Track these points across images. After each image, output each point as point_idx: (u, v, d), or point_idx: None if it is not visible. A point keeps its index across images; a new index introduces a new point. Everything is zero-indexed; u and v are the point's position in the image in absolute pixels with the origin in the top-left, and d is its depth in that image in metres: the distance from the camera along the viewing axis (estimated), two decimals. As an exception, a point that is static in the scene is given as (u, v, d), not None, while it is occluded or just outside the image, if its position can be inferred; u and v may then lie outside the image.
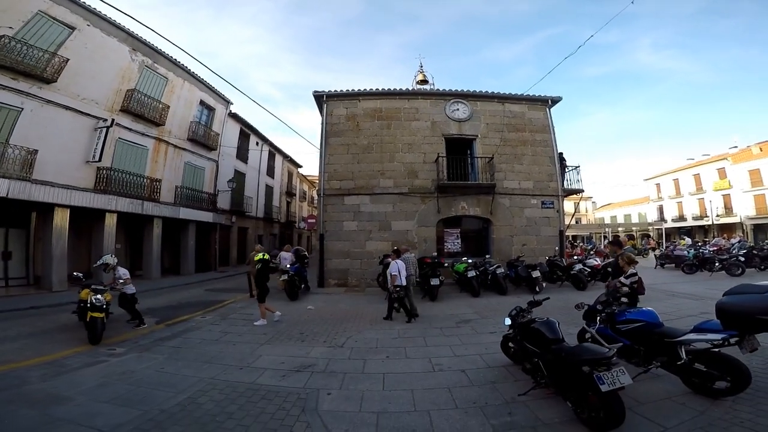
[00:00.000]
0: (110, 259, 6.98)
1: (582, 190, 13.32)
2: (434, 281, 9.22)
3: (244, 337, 6.08)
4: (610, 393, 2.67)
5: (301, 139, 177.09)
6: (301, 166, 34.48)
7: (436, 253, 11.50)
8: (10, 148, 10.01)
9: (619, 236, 7.08)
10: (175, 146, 16.23)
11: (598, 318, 4.03)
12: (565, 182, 13.13)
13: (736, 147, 34.38)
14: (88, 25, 12.33)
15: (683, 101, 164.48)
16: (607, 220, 49.63)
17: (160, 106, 15.19)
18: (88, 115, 12.26)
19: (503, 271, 10.37)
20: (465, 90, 13.14)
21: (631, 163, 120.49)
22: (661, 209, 41.34)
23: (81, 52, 11.97)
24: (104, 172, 12.70)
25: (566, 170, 13.29)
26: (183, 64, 16.58)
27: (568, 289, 10.55)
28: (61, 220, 11.41)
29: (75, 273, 7.15)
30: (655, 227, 38.64)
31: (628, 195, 57.21)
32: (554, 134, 13.25)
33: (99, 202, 12.46)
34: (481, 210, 12.40)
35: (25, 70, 10.40)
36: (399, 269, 7.25)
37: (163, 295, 10.94)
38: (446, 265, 10.85)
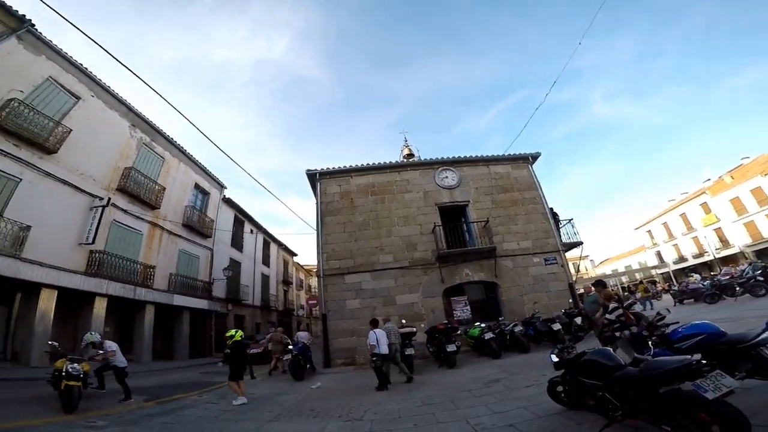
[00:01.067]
0: (92, 336, 6.86)
1: (581, 242, 13.30)
2: (450, 347, 8.72)
3: (246, 414, 5.58)
4: (720, 402, 2.32)
5: (293, 229, 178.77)
6: (296, 255, 34.77)
7: (447, 321, 10.94)
8: (3, 222, 9.52)
9: (602, 280, 7.36)
10: (170, 232, 16.07)
11: (650, 342, 3.74)
12: (562, 236, 13.14)
13: (709, 180, 35.76)
14: (92, 96, 12.63)
15: (650, 144, 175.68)
16: (609, 274, 49.20)
17: (156, 187, 15.18)
18: (85, 192, 12.03)
19: (521, 329, 9.84)
20: (451, 157, 13.78)
21: (617, 214, 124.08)
22: (659, 254, 41.36)
23: (83, 123, 12.02)
24: (97, 255, 12.09)
25: (560, 224, 13.41)
26: (179, 144, 16.93)
27: (592, 338, 10.00)
28: (47, 300, 10.60)
29: (50, 342, 6.91)
30: (659, 272, 38.27)
31: (623, 247, 57.73)
32: (542, 190, 13.63)
33: (89, 285, 11.73)
34: (485, 274, 12.14)
35: (29, 137, 10.30)
36: (377, 338, 7.33)
37: (154, 377, 10.14)
38: (459, 332, 10.27)
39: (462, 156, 13.86)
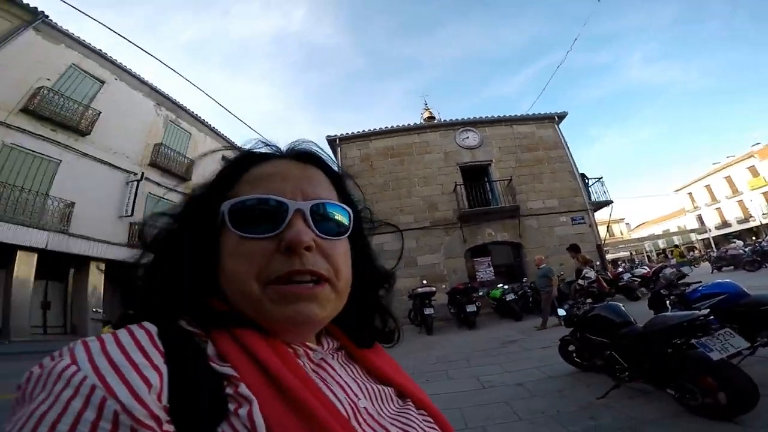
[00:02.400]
0: None
1: (611, 201, 12.71)
2: (470, 308, 8.68)
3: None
4: (728, 365, 2.18)
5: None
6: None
7: (467, 280, 10.93)
8: (50, 200, 10.40)
9: (576, 244, 7.11)
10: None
11: (668, 302, 3.58)
12: (591, 195, 12.61)
13: (759, 144, 32.86)
14: (116, 79, 13.16)
15: (686, 110, 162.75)
16: (645, 237, 47.16)
17: (186, 161, 15.51)
18: (120, 168, 12.64)
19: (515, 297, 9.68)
20: (472, 117, 13.35)
21: (654, 179, 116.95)
22: (700, 218, 38.99)
23: (110, 105, 12.51)
24: (136, 226, 12.82)
25: (589, 183, 12.84)
26: (204, 120, 17.29)
27: (620, 300, 9.71)
28: (97, 273, 11.51)
29: (94, 309, 6.91)
30: (699, 237, 36.25)
31: (661, 210, 54.63)
32: (568, 149, 13.04)
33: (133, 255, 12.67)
34: (509, 235, 11.92)
35: (62, 122, 10.95)
36: None
37: None
38: (481, 293, 10.25)
39: (483, 117, 13.38)
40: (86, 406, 0.26)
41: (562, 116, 13.41)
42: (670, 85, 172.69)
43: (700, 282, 3.97)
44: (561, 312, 3.86)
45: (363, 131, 13.34)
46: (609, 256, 23.43)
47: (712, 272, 14.56)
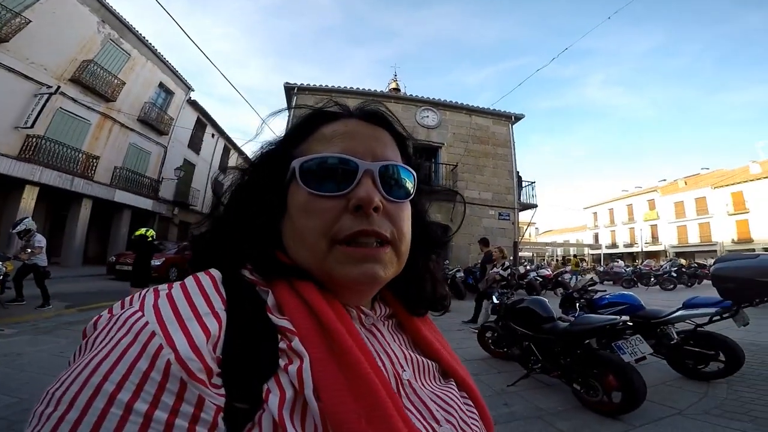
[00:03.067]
0: (31, 223, 5.99)
1: (536, 205, 14.04)
2: None
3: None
4: (631, 366, 2.49)
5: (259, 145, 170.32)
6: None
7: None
8: None
9: (486, 238, 8.36)
10: (122, 125, 14.90)
11: (578, 305, 4.01)
12: (522, 196, 13.76)
13: (665, 180, 38.57)
14: None
15: (621, 135, 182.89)
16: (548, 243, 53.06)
17: (116, 81, 14.20)
18: (32, 79, 11.35)
19: (462, 275, 10.51)
20: (436, 99, 13.47)
21: (569, 190, 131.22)
22: (596, 236, 45.05)
23: (46, 16, 11.32)
24: (33, 140, 11.30)
25: (522, 185, 13.97)
26: (150, 43, 15.66)
27: (523, 295, 10.97)
28: None
29: None
30: (592, 252, 41.94)
31: (568, 223, 61.88)
32: (514, 150, 13.93)
33: (20, 170, 10.91)
34: (442, 217, 12.29)
35: None
36: None
37: (81, 283, 9.58)
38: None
39: (447, 100, 13.59)
40: (141, 354, 0.26)
41: (519, 117, 14.19)
42: (615, 108, 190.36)
43: (605, 291, 4.47)
44: (495, 300, 4.12)
45: (324, 86, 12.73)
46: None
47: (597, 284, 17.12)
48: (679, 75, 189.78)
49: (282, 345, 0.32)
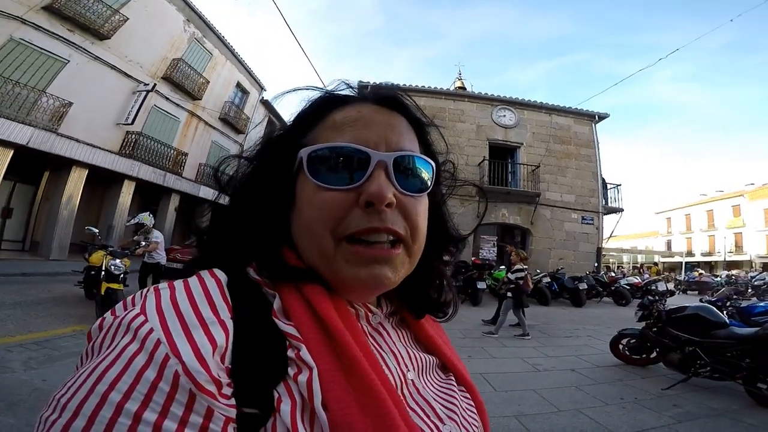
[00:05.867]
0: (147, 218, 5.55)
1: (622, 209, 13.11)
2: (481, 285, 8.85)
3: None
4: None
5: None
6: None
7: (472, 256, 11.18)
8: (45, 97, 9.65)
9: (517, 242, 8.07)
10: (206, 123, 15.93)
11: (725, 312, 3.88)
12: (607, 200, 12.92)
13: (752, 184, 34.35)
14: None
15: (695, 136, 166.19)
16: (613, 248, 49.59)
17: (201, 80, 14.95)
18: (131, 77, 11.96)
19: (548, 281, 10.08)
20: (513, 97, 12.99)
21: (637, 195, 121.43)
22: (669, 243, 41.21)
23: (140, 13, 11.83)
24: (132, 136, 12.20)
25: (607, 188, 13.09)
26: (229, 43, 16.54)
27: (609, 304, 10.35)
28: (77, 180, 10.76)
29: (88, 227, 5.79)
30: (663, 259, 38.47)
31: (634, 229, 57.52)
32: (598, 150, 13.09)
33: (121, 165, 11.85)
34: (521, 219, 12.12)
35: (85, 23, 10.24)
36: None
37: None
38: (492, 272, 10.56)
39: (525, 99, 13.07)
40: (149, 363, 0.25)
41: (603, 117, 13.33)
42: (684, 106, 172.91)
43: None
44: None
45: (399, 84, 12.73)
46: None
47: (677, 293, 15.75)
48: (757, 73, 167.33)
49: (290, 353, 0.31)
